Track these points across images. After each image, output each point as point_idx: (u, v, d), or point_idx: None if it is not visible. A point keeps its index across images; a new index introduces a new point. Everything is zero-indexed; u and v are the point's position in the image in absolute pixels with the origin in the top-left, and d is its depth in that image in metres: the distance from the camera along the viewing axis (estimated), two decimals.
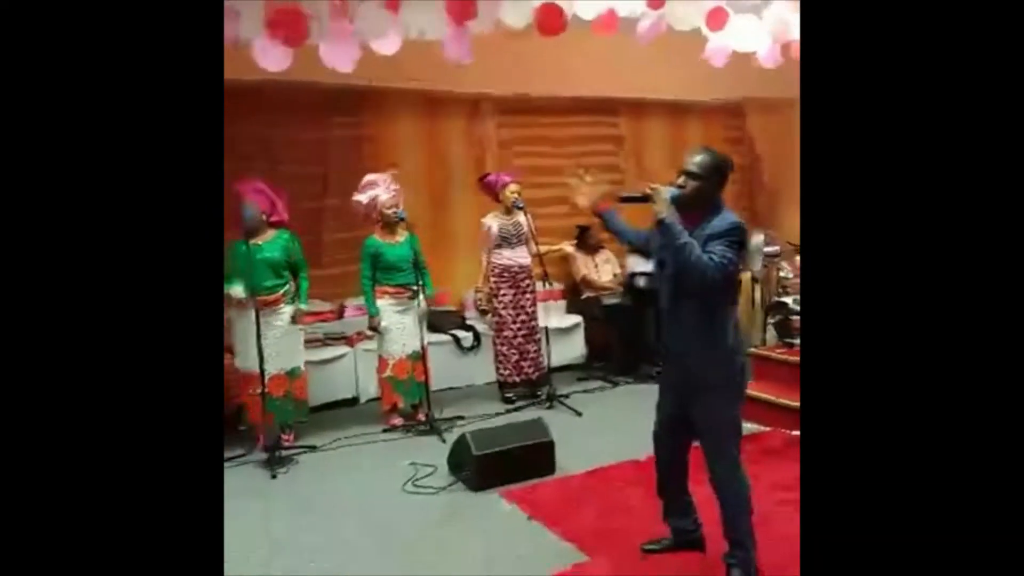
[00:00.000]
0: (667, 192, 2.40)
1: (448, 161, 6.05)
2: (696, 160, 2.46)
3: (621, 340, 5.83)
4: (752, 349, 4.87)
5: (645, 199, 2.42)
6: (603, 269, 6.09)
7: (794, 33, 5.09)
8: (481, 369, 5.57)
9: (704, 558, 2.75)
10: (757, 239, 5.68)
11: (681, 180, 2.46)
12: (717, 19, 4.57)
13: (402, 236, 4.68)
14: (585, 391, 5.38)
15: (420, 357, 4.69)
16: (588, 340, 6.03)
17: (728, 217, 2.44)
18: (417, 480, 3.78)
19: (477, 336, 5.66)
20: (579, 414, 4.82)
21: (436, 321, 5.44)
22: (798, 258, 3.93)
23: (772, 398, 4.38)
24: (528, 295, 5.19)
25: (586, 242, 6.03)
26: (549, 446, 3.82)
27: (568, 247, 5.73)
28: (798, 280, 3.90)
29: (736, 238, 2.39)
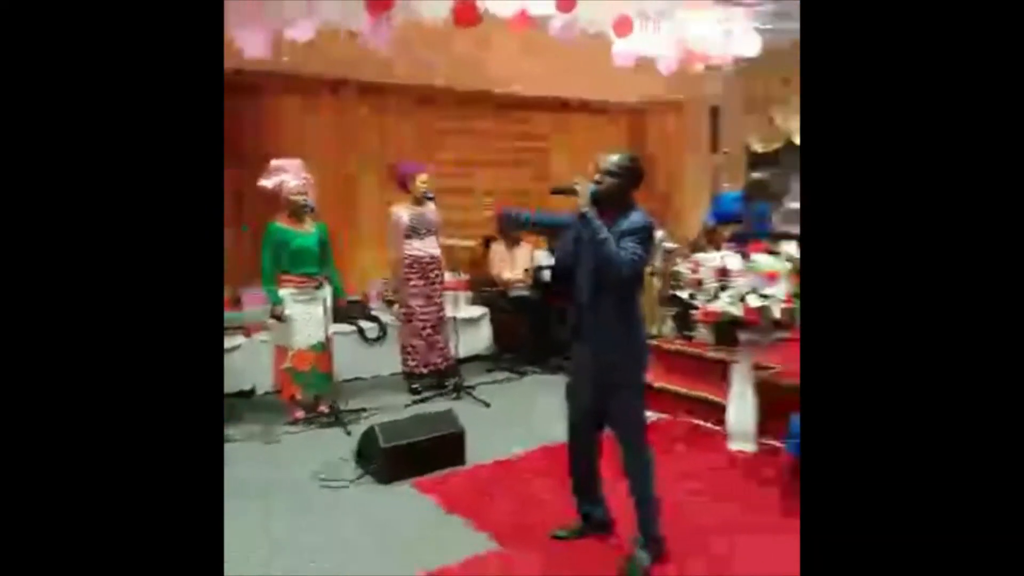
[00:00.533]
0: (588, 188, 2.53)
1: (355, 149, 5.96)
2: (614, 160, 2.62)
3: (528, 332, 5.93)
4: (653, 341, 5.08)
5: (573, 192, 2.55)
6: (518, 263, 6.17)
7: (692, 42, 5.37)
8: (386, 360, 5.53)
9: (612, 542, 2.86)
10: (658, 235, 5.94)
11: (599, 177, 2.59)
12: (623, 26, 4.75)
13: (310, 225, 4.58)
14: (493, 382, 5.45)
15: (324, 348, 4.60)
16: (495, 331, 6.11)
17: (640, 216, 2.60)
18: (325, 474, 3.72)
19: (383, 327, 5.61)
20: (487, 405, 4.88)
21: (340, 311, 5.35)
22: (696, 255, 4.14)
23: (673, 388, 4.60)
24: (437, 286, 5.19)
25: (507, 235, 6.10)
26: (459, 437, 3.86)
27: (475, 244, 5.76)
28: (694, 276, 4.13)
29: (647, 235, 2.58)
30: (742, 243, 4.31)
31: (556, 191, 2.68)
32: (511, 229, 5.88)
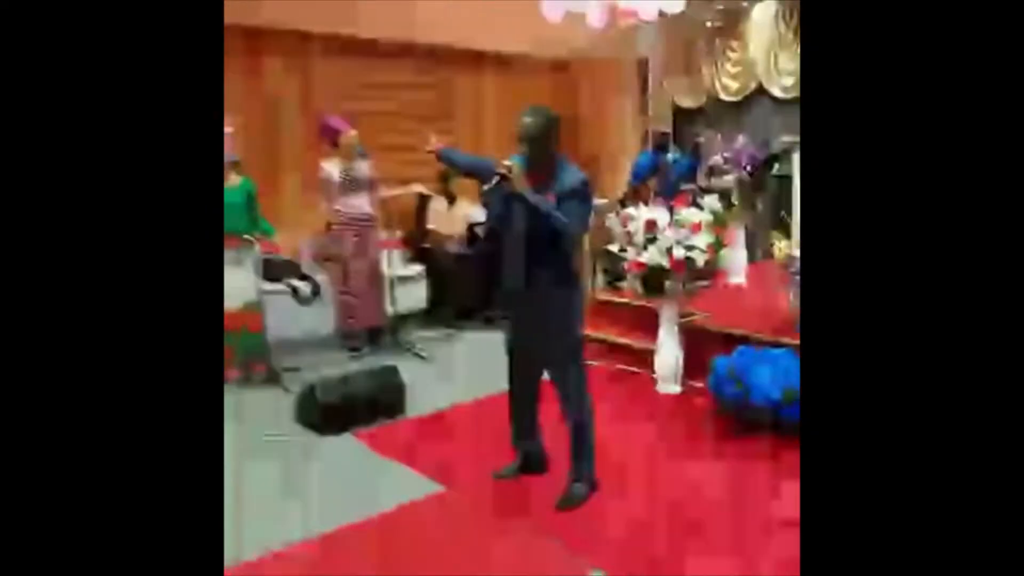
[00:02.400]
0: (517, 165, 2.56)
1: (279, 102, 5.81)
2: (530, 123, 2.63)
3: (464, 288, 6.01)
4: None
5: (504, 178, 2.55)
6: (455, 219, 6.20)
7: None
8: (322, 319, 5.52)
9: (549, 478, 3.02)
10: None
11: (522, 148, 2.62)
12: None
13: (235, 180, 4.48)
14: (430, 337, 5.53)
15: (256, 309, 4.56)
16: (432, 288, 6.16)
17: (574, 172, 2.67)
18: (267, 430, 3.75)
19: (316, 286, 5.58)
20: (423, 358, 4.97)
21: (272, 271, 5.29)
22: (626, 210, 4.28)
23: (603, 336, 4.78)
24: (371, 244, 5.18)
25: (447, 191, 6.10)
26: (399, 389, 3.94)
27: (420, 187, 5.72)
28: (624, 230, 4.28)
29: (586, 192, 2.66)
30: (668, 198, 4.47)
31: (489, 190, 2.62)
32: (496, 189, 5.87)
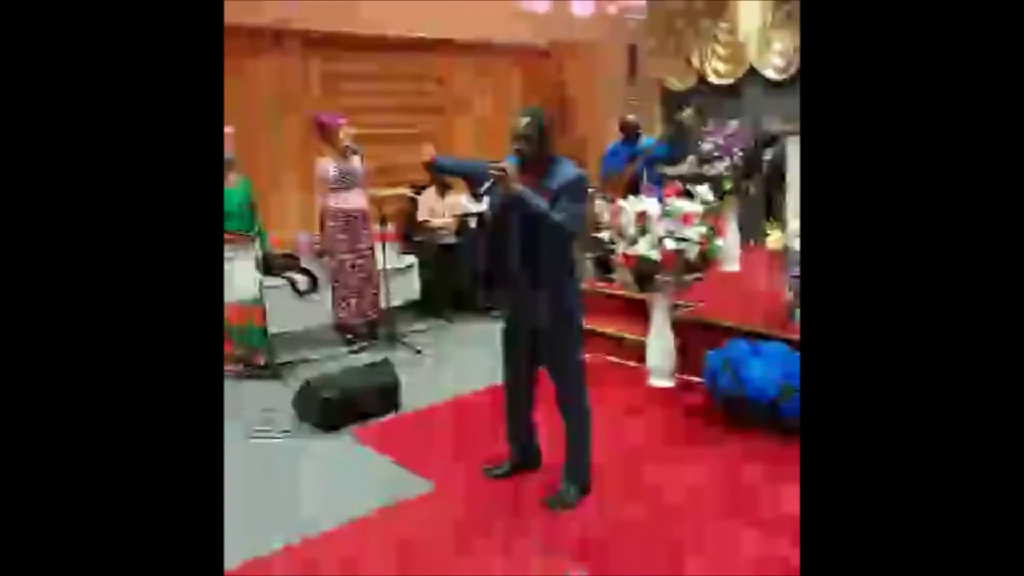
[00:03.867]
0: (511, 165, 2.60)
1: (268, 99, 5.83)
2: (526, 122, 2.69)
3: (456, 278, 6.05)
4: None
5: (498, 180, 2.58)
6: (447, 210, 6.22)
7: None
8: (319, 312, 5.57)
9: (542, 476, 3.09)
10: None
11: (517, 146, 2.67)
12: None
13: (234, 180, 4.52)
14: (423, 329, 5.58)
15: (258, 302, 4.62)
16: (423, 279, 6.20)
17: (570, 169, 2.71)
18: (263, 425, 3.81)
19: (314, 279, 5.62)
20: (419, 352, 5.03)
21: (272, 265, 5.34)
22: (616, 202, 4.30)
23: (596, 328, 4.83)
24: (364, 238, 5.23)
25: (439, 182, 6.12)
26: (394, 385, 4.00)
27: (409, 192, 5.75)
28: (614, 220, 4.31)
29: (581, 189, 2.71)
30: (654, 186, 4.48)
31: (484, 192, 2.66)
32: (442, 175, 5.89)
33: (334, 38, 6.06)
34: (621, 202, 4.29)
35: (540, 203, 2.59)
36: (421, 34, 6.52)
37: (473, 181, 2.92)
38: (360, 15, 5.87)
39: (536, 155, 2.69)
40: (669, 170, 5.87)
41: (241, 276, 4.52)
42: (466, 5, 5.94)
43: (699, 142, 6.18)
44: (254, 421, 3.85)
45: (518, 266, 2.78)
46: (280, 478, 3.26)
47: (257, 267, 4.59)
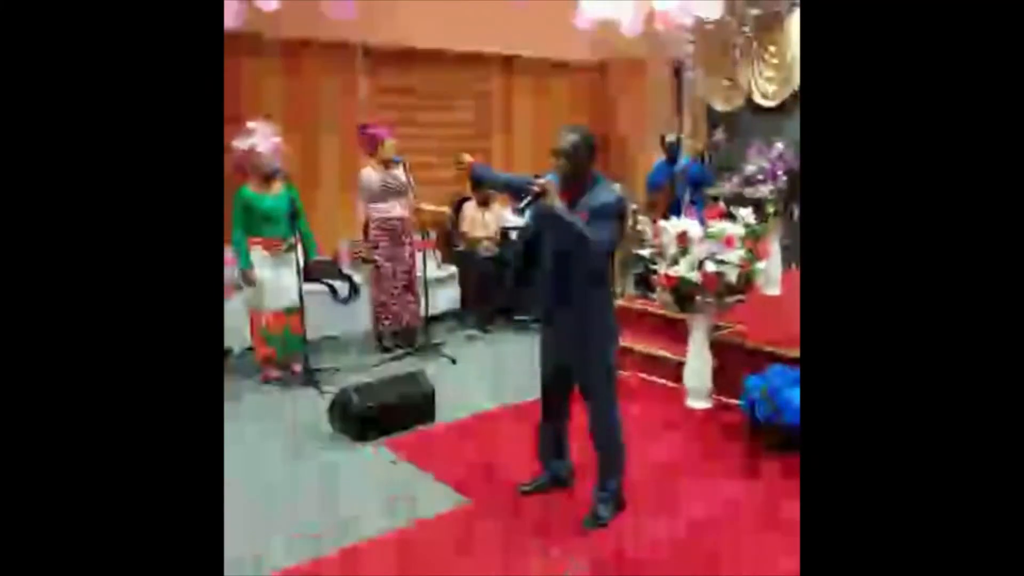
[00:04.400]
0: (551, 182, 2.61)
1: (320, 109, 5.96)
2: (569, 140, 2.69)
3: (495, 290, 6.07)
4: (617, 301, 5.27)
5: (538, 196, 2.59)
6: (489, 222, 6.27)
7: (655, 4, 5.44)
8: (358, 318, 5.64)
9: (575, 494, 3.08)
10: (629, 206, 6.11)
11: (559, 163, 2.69)
12: None
13: (279, 188, 4.62)
14: (462, 339, 5.61)
15: (297, 311, 4.69)
16: (464, 290, 6.24)
17: (608, 190, 2.71)
18: (301, 433, 3.86)
19: (354, 286, 5.69)
20: (454, 362, 5.05)
21: (311, 271, 5.42)
22: (659, 222, 4.28)
23: (630, 345, 4.81)
24: (406, 246, 5.30)
25: (480, 194, 6.18)
26: (429, 397, 4.02)
27: (446, 209, 5.80)
28: (657, 230, 4.30)
29: (619, 212, 2.71)
30: (694, 207, 4.46)
31: (524, 207, 2.67)
32: (480, 185, 5.96)
33: (390, 52, 6.20)
34: (662, 222, 4.28)
35: (576, 221, 2.59)
36: (473, 49, 6.61)
37: (514, 194, 2.95)
38: (416, 30, 5.99)
39: (576, 173, 2.69)
40: (712, 191, 5.86)
41: (281, 283, 4.60)
42: (519, 22, 6.00)
43: (735, 164, 6.18)
44: (290, 429, 3.90)
45: (554, 283, 2.79)
46: (313, 488, 3.30)
47: (297, 274, 4.67)
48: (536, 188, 2.59)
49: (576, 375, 2.87)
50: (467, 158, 3.07)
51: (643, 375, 4.67)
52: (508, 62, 7.09)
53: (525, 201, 2.64)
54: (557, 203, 2.59)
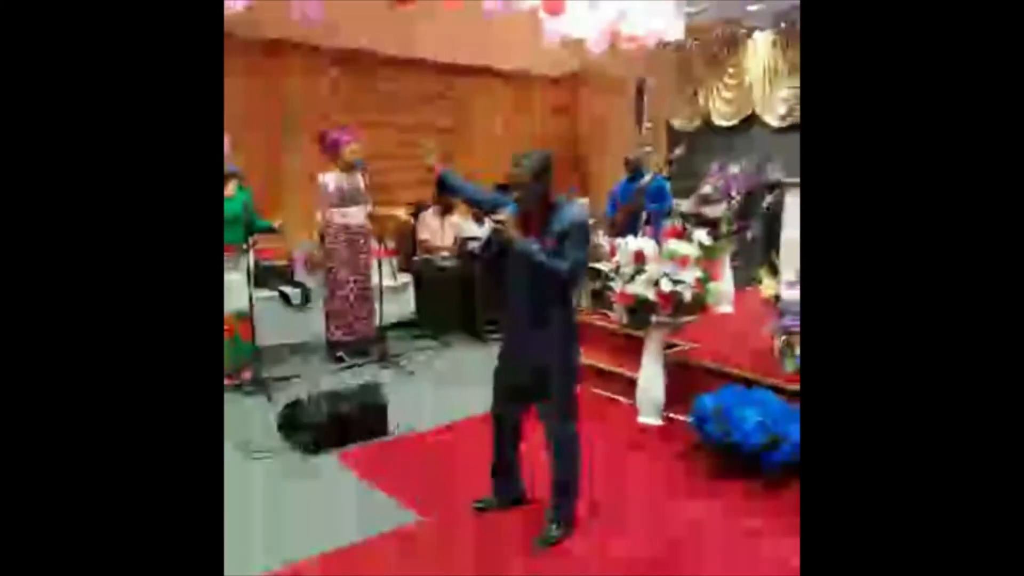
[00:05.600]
0: (510, 216, 2.61)
1: (282, 113, 5.87)
2: (525, 166, 2.67)
3: (452, 300, 6.05)
4: None
5: (502, 231, 2.61)
6: (447, 232, 6.24)
7: (621, 23, 5.52)
8: (310, 326, 5.55)
9: (529, 512, 3.07)
10: (580, 207, 6.15)
11: (516, 194, 2.68)
12: (553, 6, 4.83)
13: (231, 190, 4.52)
14: (417, 349, 5.57)
15: (247, 316, 4.60)
16: (420, 300, 6.20)
17: (571, 212, 2.70)
18: (250, 444, 3.78)
19: (307, 292, 5.61)
20: (411, 373, 5.01)
21: (263, 277, 5.33)
22: (615, 239, 4.32)
23: (588, 361, 4.83)
24: (363, 255, 5.23)
25: (442, 201, 6.14)
26: (382, 409, 3.98)
27: (403, 214, 5.77)
28: (613, 247, 4.34)
29: (584, 235, 2.69)
30: (657, 228, 4.52)
31: (484, 245, 2.65)
32: (446, 193, 5.93)
33: (357, 56, 6.15)
34: (618, 240, 4.32)
35: (539, 256, 2.60)
36: (443, 58, 6.62)
37: (476, 207, 2.93)
38: (383, 36, 5.96)
39: (535, 201, 2.68)
40: (684, 206, 5.94)
41: (232, 288, 4.50)
42: (491, 34, 6.03)
43: (692, 184, 6.29)
44: (238, 438, 3.81)
45: (517, 305, 2.79)
46: (261, 500, 3.22)
47: (248, 279, 4.57)
48: (496, 224, 2.61)
49: (534, 395, 2.86)
50: (434, 159, 3.03)
51: (597, 390, 4.70)
52: (478, 72, 7.11)
53: (483, 240, 2.62)
54: (517, 239, 2.59)
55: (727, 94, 8.11)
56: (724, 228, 5.80)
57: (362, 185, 5.11)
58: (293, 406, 3.82)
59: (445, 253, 6.13)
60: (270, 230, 4.78)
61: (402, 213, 5.63)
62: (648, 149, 6.74)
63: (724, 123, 8.12)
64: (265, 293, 5.34)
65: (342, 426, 3.78)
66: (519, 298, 2.77)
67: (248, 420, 4.07)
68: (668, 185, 6.24)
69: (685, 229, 4.47)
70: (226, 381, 4.61)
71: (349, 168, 5.03)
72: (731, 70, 8.05)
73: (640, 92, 8.46)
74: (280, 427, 3.88)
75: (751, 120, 7.93)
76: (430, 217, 6.27)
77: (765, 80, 7.71)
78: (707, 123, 8.25)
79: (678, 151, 7.54)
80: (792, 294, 4.22)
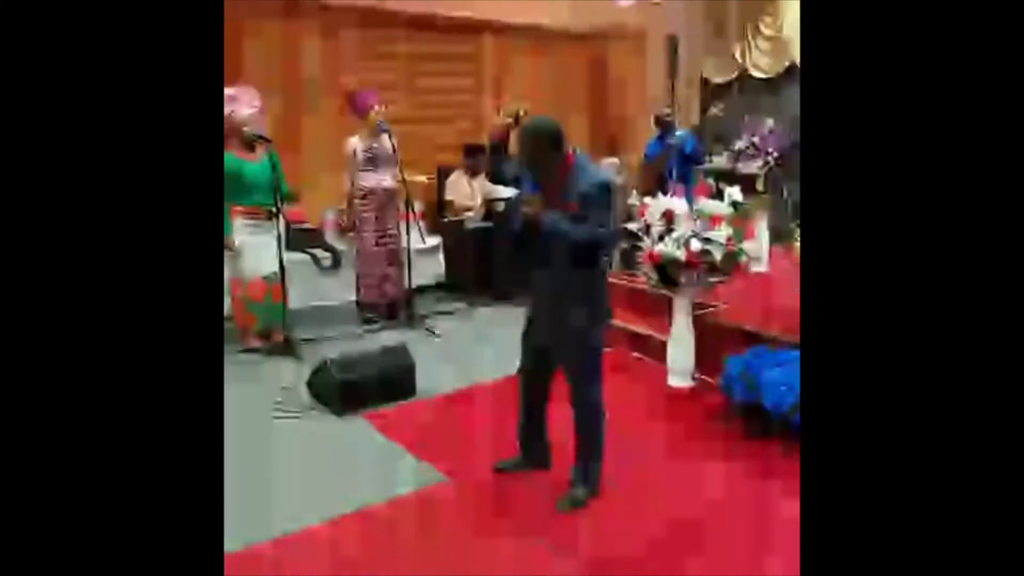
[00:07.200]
0: (536, 200, 2.62)
1: (305, 74, 5.83)
2: (527, 136, 2.66)
3: (479, 262, 6.02)
4: None
5: (526, 216, 2.62)
6: (476, 193, 6.19)
7: None
8: (341, 289, 5.59)
9: (551, 475, 3.07)
10: (610, 165, 6.02)
11: (528, 171, 2.70)
12: None
13: (261, 155, 4.52)
14: (444, 312, 5.58)
15: (278, 278, 4.64)
16: (448, 262, 6.19)
17: (592, 174, 2.65)
18: (279, 404, 3.84)
19: (337, 256, 5.64)
20: (438, 336, 5.02)
21: (295, 240, 5.36)
22: (644, 199, 4.23)
23: (617, 323, 4.78)
24: (391, 218, 5.23)
25: (472, 164, 6.08)
26: (410, 370, 4.00)
27: (425, 179, 5.71)
28: (644, 207, 4.24)
29: (608, 197, 2.64)
30: (682, 183, 4.39)
31: (524, 229, 2.65)
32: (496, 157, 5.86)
33: (375, 14, 6.04)
34: (648, 199, 4.23)
35: (567, 229, 2.58)
36: (464, 15, 6.47)
37: (497, 177, 2.91)
38: None
39: (546, 169, 2.66)
40: (717, 163, 5.79)
41: (262, 251, 4.54)
42: None
43: (727, 138, 6.10)
44: (268, 399, 3.87)
45: (542, 268, 2.75)
46: (289, 461, 3.28)
47: (279, 242, 4.60)
48: (524, 211, 2.62)
49: (561, 357, 2.83)
50: (506, 119, 2.99)
51: (627, 352, 4.66)
52: (501, 29, 6.95)
53: (524, 226, 2.65)
54: (545, 217, 2.58)
55: (764, 45, 7.82)
56: (759, 185, 5.63)
57: (390, 147, 5.07)
58: (322, 367, 3.86)
59: (471, 214, 6.09)
60: (287, 197, 4.78)
61: (423, 179, 5.58)
62: (667, 111, 6.51)
63: (762, 74, 7.84)
64: (296, 256, 5.37)
65: (369, 387, 3.81)
66: (544, 261, 2.74)
67: (278, 381, 4.12)
68: (697, 143, 6.08)
69: (718, 187, 4.36)
70: (257, 343, 4.68)
71: (375, 131, 4.99)
72: (767, 19, 7.74)
73: (671, 46, 8.21)
74: (309, 388, 3.93)
75: (791, 72, 7.63)
76: (458, 178, 6.22)
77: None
78: (744, 76, 7.97)
79: (714, 110, 7.30)
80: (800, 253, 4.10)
